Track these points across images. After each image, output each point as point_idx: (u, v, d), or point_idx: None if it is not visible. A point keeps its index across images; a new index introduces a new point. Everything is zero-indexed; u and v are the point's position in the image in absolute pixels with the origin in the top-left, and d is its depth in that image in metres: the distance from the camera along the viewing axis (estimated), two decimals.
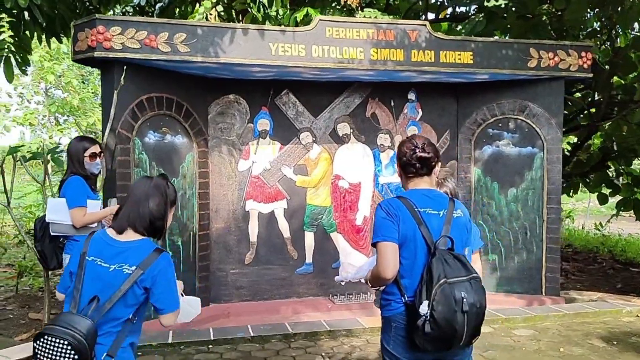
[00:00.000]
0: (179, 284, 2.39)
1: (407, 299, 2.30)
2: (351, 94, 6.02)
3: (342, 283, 5.19)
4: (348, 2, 6.59)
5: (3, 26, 6.55)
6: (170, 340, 4.56)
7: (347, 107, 6.02)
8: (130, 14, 8.88)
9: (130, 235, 2.27)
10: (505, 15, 7.54)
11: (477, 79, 5.83)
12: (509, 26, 7.49)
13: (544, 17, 7.51)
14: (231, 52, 4.94)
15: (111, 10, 8.21)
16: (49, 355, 2.02)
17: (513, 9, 7.30)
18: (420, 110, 6.21)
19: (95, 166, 3.87)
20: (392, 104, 6.14)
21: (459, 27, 8.57)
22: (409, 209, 2.32)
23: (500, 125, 6.15)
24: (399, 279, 2.33)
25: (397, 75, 5.61)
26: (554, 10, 7.52)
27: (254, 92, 5.77)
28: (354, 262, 6.06)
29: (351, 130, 6.02)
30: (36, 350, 2.05)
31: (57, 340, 2.01)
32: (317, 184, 5.95)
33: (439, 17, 8.74)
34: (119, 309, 2.17)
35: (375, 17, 6.45)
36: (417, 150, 2.40)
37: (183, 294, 2.41)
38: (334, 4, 7.02)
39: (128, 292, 2.16)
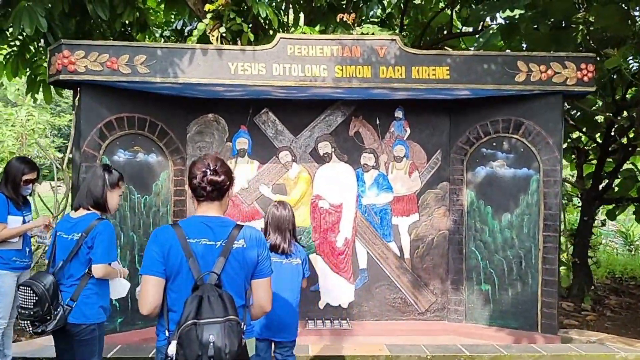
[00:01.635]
0: (123, 271, 3.31)
1: (168, 334, 2.16)
2: (333, 112, 5.85)
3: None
4: (344, 19, 6.48)
5: (42, 53, 7.12)
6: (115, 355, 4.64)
7: (328, 125, 5.85)
8: (168, 38, 9.31)
9: (81, 212, 3.21)
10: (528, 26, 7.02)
11: (458, 95, 5.45)
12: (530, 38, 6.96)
13: (580, 27, 6.90)
14: (190, 72, 4.99)
15: (147, 36, 8.67)
16: (21, 297, 3.02)
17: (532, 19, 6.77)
18: (408, 129, 5.90)
19: (26, 190, 4.06)
20: (378, 122, 5.88)
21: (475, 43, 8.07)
22: (180, 239, 2.18)
23: (494, 144, 5.69)
24: (167, 311, 2.19)
25: (381, 93, 5.38)
26: (589, 19, 6.90)
27: (233, 111, 5.77)
28: (333, 285, 5.85)
29: (333, 149, 5.84)
30: (17, 294, 3.25)
31: (25, 288, 3.00)
32: (296, 204, 5.81)
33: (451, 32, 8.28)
34: (75, 266, 3.10)
35: (373, 34, 6.27)
36: (209, 173, 2.25)
37: (125, 279, 3.30)
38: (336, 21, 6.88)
39: (78, 252, 3.08)
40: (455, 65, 5.15)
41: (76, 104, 4.82)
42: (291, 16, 7.63)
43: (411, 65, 5.13)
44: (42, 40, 7.08)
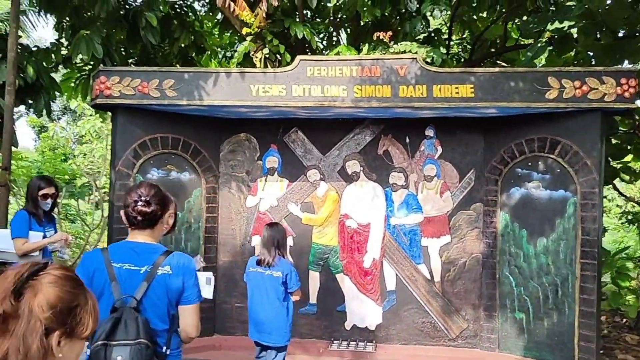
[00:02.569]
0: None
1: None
2: (362, 131, 5.82)
3: None
4: (380, 37, 6.45)
5: None
6: None
7: (357, 144, 5.83)
8: (230, 59, 9.71)
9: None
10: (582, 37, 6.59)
11: (484, 113, 5.23)
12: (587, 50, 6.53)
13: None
14: (215, 95, 5.18)
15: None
16: None
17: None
18: (439, 148, 5.73)
19: (45, 204, 4.38)
20: (408, 140, 5.77)
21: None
22: (105, 263, 2.28)
23: (529, 164, 5.39)
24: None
25: (404, 112, 5.30)
26: None
27: (264, 131, 5.91)
28: (360, 306, 5.77)
29: (361, 169, 5.80)
30: None
31: None
32: (324, 223, 5.82)
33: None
34: None
35: (409, 51, 6.19)
36: (139, 203, 2.34)
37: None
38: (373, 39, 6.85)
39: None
40: (479, 83, 4.95)
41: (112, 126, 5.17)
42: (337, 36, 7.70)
43: (433, 83, 5.00)
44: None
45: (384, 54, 6.27)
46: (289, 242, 5.85)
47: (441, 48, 7.95)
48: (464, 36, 8.39)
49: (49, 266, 1.33)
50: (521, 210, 5.42)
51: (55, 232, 4.49)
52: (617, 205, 12.28)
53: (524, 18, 7.13)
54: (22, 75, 6.30)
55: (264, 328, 4.10)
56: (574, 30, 6.56)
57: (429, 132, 5.74)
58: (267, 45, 6.80)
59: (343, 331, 5.77)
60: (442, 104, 5.01)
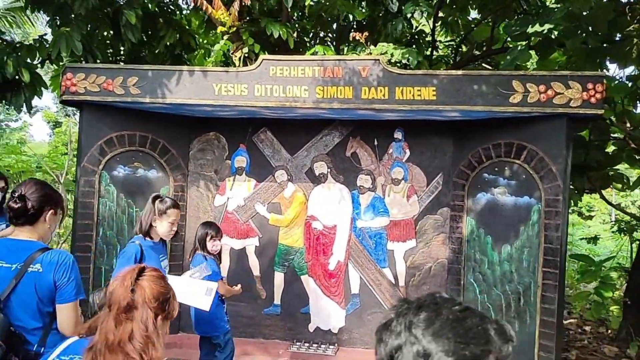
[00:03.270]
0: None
1: None
2: (330, 132, 5.77)
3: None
4: (357, 38, 6.40)
5: None
6: None
7: (325, 145, 5.78)
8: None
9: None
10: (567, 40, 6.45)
11: (446, 117, 5.14)
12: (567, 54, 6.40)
13: (635, 40, 6.24)
14: (177, 93, 5.18)
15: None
16: None
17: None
18: (407, 151, 5.65)
19: None
20: (376, 143, 5.71)
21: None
22: None
23: (496, 169, 5.29)
24: None
25: (367, 114, 5.24)
26: None
27: (233, 130, 5.90)
28: (323, 308, 5.73)
29: (328, 170, 5.75)
30: None
31: None
32: (290, 224, 5.79)
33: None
34: None
35: (385, 53, 6.13)
36: (12, 200, 2.33)
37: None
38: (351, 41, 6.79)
39: None
40: (442, 86, 4.87)
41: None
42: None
43: (395, 85, 4.93)
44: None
45: (358, 54, 6.21)
46: (254, 242, 5.85)
47: (428, 51, 7.87)
48: (453, 38, 8.27)
49: (146, 269, 1.90)
50: (487, 216, 5.32)
51: (8, 226, 4.54)
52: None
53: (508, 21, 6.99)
54: (1, 71, 6.39)
55: (195, 320, 4.20)
56: (556, 33, 6.43)
57: (398, 134, 5.67)
58: (245, 45, 6.79)
59: (306, 333, 5.73)
60: (404, 107, 4.93)
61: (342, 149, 5.76)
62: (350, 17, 7.25)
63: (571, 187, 7.45)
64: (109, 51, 8.23)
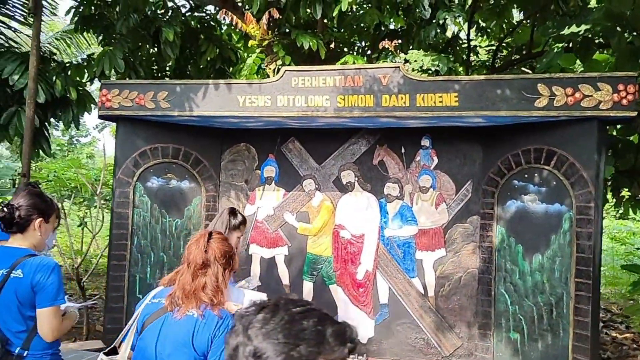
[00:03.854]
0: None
1: None
2: (358, 141, 5.76)
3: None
4: (386, 46, 6.39)
5: None
6: None
7: (352, 154, 5.77)
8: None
9: None
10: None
11: (469, 123, 5.02)
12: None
13: None
14: (204, 106, 5.34)
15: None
16: None
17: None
18: (435, 158, 5.56)
19: None
20: (403, 150, 5.65)
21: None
22: None
23: (526, 176, 5.11)
24: None
25: (397, 122, 5.21)
26: None
27: (263, 141, 6.00)
28: (352, 318, 5.69)
29: (356, 179, 5.74)
30: None
31: None
32: (318, 233, 5.81)
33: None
34: None
35: (415, 60, 6.10)
36: (1, 211, 2.47)
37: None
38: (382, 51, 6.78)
39: None
40: (464, 92, 4.77)
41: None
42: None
43: (415, 92, 4.88)
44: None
45: (388, 63, 6.19)
46: (284, 251, 5.91)
47: (465, 56, 7.73)
48: (492, 43, 8.08)
49: (213, 234, 2.45)
50: (517, 224, 5.14)
51: None
52: None
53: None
54: (51, 90, 6.80)
55: None
56: (594, 33, 6.17)
57: (425, 142, 5.59)
58: (278, 57, 6.92)
59: None
60: (425, 114, 4.87)
61: (369, 157, 5.74)
62: (383, 26, 7.25)
63: (628, 194, 7.12)
64: (154, 68, 8.59)
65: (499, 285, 5.24)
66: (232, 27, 7.27)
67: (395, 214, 5.64)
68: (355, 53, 7.40)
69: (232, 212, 3.72)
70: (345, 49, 7.64)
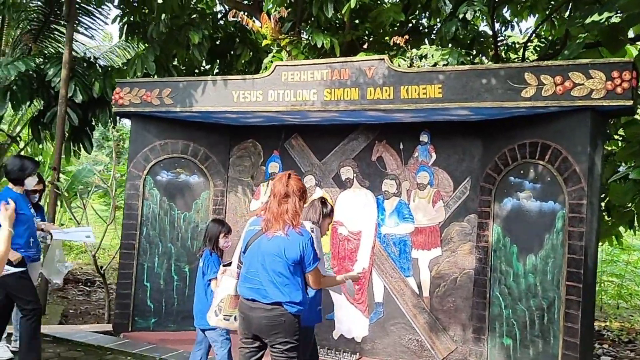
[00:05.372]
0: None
1: None
2: (357, 136, 5.70)
3: None
4: (396, 42, 6.29)
5: None
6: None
7: (352, 150, 5.72)
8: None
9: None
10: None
11: (455, 115, 4.81)
12: None
13: None
14: (203, 102, 5.53)
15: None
16: None
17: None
18: (433, 154, 5.38)
19: (33, 197, 5.00)
20: (402, 146, 5.52)
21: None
22: None
23: (522, 172, 4.82)
24: None
25: (387, 115, 5.12)
26: None
27: (268, 137, 6.10)
28: (347, 316, 5.62)
29: (355, 175, 5.68)
30: None
31: None
32: None
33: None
34: None
35: (425, 55, 5.97)
36: None
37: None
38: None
39: None
40: (448, 83, 4.60)
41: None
42: None
43: (400, 84, 4.77)
44: None
45: (399, 58, 6.07)
46: None
47: (492, 51, 7.40)
48: (522, 38, 7.67)
49: (291, 174, 3.31)
50: (513, 223, 4.85)
51: (42, 220, 5.19)
52: None
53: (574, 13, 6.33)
54: (89, 91, 7.32)
55: (195, 312, 4.33)
56: (618, 21, 5.69)
57: (424, 137, 5.43)
58: (293, 57, 6.99)
59: (330, 340, 5.66)
60: (409, 106, 4.74)
61: (368, 153, 5.66)
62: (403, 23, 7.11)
63: None
64: (195, 71, 8.96)
65: (494, 288, 4.96)
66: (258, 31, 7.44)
67: (392, 211, 5.52)
68: (374, 52, 7.29)
69: (323, 202, 4.00)
70: (365, 46, 7.56)
